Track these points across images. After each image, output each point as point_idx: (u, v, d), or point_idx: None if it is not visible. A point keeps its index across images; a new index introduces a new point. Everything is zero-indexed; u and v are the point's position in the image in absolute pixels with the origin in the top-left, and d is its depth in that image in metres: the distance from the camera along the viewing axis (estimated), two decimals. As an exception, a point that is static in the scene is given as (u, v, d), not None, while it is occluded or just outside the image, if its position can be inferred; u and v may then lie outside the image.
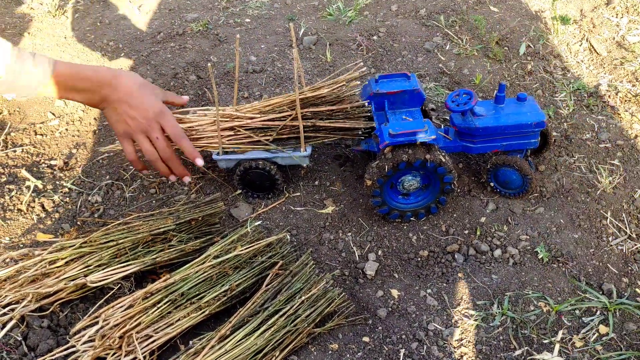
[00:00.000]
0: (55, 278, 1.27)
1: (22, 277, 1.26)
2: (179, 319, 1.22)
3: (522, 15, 2.39)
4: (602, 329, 1.29)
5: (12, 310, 1.22)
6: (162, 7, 2.60)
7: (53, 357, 1.15)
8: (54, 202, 1.59)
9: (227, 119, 1.52)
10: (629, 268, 1.43)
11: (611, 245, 1.48)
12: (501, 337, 1.29)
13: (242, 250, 1.34)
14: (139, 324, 1.19)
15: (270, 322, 1.20)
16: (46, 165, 1.72)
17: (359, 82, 1.53)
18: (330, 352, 1.25)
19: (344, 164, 1.76)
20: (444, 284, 1.41)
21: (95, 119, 1.92)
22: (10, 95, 1.27)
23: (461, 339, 1.29)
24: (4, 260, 1.34)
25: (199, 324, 1.25)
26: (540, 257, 1.45)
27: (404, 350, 1.26)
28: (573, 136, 1.82)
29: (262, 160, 1.54)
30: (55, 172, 1.69)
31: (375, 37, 2.31)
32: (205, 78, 2.11)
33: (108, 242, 1.34)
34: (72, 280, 1.27)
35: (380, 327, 1.31)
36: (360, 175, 1.69)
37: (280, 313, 1.22)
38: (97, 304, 1.27)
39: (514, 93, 2.00)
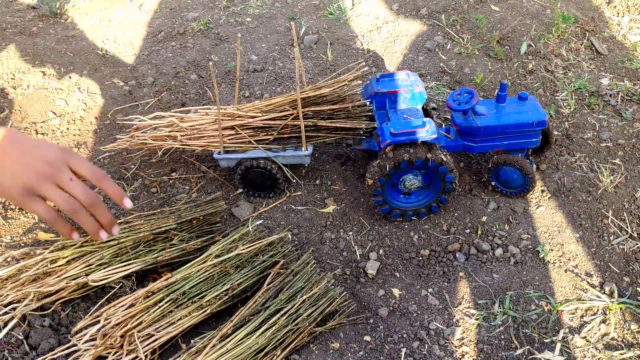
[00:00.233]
0: (57, 277, 1.27)
1: (24, 276, 1.26)
2: (180, 318, 1.22)
3: (523, 14, 2.38)
4: (604, 328, 1.29)
5: (14, 309, 1.22)
6: (163, 6, 2.60)
7: (54, 356, 1.15)
8: (55, 201, 1.58)
9: (228, 118, 1.52)
10: (631, 267, 1.43)
11: (612, 245, 1.48)
12: (502, 336, 1.29)
13: (243, 249, 1.34)
14: (141, 323, 1.19)
15: (271, 321, 1.20)
16: (47, 165, 1.71)
17: (360, 82, 1.53)
18: (331, 351, 1.25)
19: (345, 163, 1.76)
20: (445, 283, 1.41)
21: (96, 117, 1.91)
22: None
23: (462, 338, 1.29)
24: (5, 259, 1.34)
25: (200, 323, 1.25)
26: (541, 256, 1.45)
27: (405, 349, 1.26)
28: (574, 135, 1.82)
29: (263, 160, 1.54)
30: (56, 171, 1.69)
31: (376, 36, 2.31)
32: (206, 77, 2.11)
33: (109, 241, 1.34)
34: (74, 279, 1.27)
35: (381, 326, 1.31)
36: (362, 174, 1.69)
37: (282, 312, 1.22)
38: (99, 303, 1.28)
39: (515, 92, 2.00)
